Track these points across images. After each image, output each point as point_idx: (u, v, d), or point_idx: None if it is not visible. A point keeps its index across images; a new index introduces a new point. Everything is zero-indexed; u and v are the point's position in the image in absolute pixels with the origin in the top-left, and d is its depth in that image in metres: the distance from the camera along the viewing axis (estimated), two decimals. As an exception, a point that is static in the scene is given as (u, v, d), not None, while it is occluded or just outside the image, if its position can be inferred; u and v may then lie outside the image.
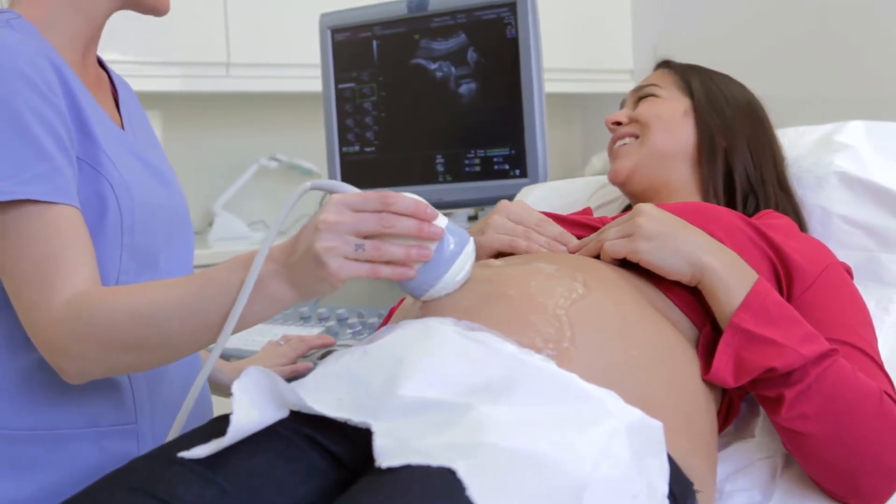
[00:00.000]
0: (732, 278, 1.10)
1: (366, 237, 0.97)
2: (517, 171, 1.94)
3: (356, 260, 0.97)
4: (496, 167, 1.97)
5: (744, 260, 1.14)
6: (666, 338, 1.09)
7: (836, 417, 1.06)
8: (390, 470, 0.82)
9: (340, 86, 2.11)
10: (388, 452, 0.83)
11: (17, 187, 1.06)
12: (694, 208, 1.25)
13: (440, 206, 1.86)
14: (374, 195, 0.98)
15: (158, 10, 1.28)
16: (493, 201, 1.65)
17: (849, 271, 1.26)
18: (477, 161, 1.99)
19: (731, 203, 1.39)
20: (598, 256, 1.18)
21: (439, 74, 2.01)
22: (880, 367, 1.14)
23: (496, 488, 0.80)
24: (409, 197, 0.99)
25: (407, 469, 0.81)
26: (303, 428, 0.97)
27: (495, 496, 0.79)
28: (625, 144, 1.45)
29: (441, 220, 1.02)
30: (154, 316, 1.03)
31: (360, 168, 2.11)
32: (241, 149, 3.19)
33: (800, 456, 1.11)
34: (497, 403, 0.89)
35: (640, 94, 1.48)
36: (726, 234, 1.19)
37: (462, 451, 0.82)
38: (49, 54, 1.15)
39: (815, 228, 1.45)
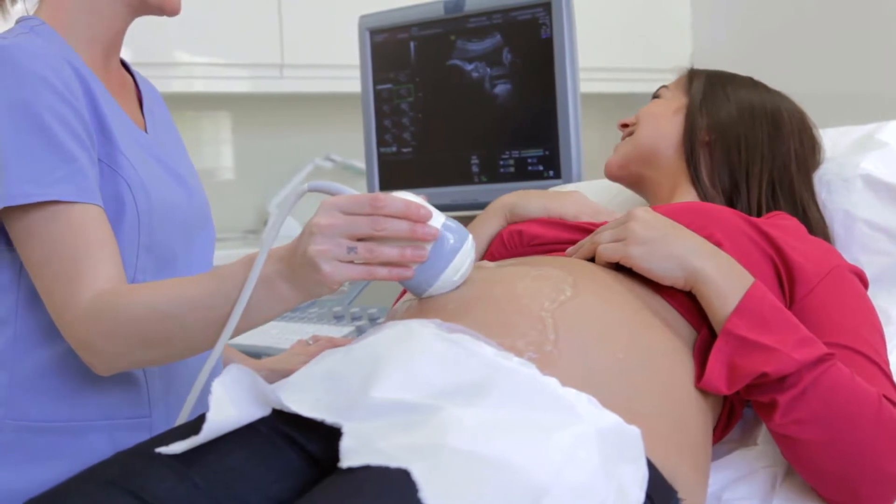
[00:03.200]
0: (727, 283, 1.08)
1: (361, 239, 0.97)
2: (551, 172, 1.93)
3: (350, 262, 0.98)
4: (530, 168, 1.96)
5: (743, 262, 1.12)
6: (658, 341, 1.07)
7: (832, 422, 1.03)
8: (350, 470, 0.82)
9: (378, 87, 2.12)
10: (351, 452, 0.84)
11: (43, 189, 1.09)
12: (692, 209, 1.22)
13: (476, 206, 1.87)
14: (364, 198, 0.98)
15: (174, 11, 1.31)
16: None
17: (859, 275, 1.22)
18: (511, 162, 1.98)
19: (730, 201, 1.37)
20: (594, 259, 1.17)
21: (475, 75, 2.01)
22: (885, 372, 1.10)
23: (452, 490, 0.80)
24: (401, 198, 0.98)
25: (366, 469, 0.81)
26: (283, 427, 0.98)
27: (450, 498, 0.79)
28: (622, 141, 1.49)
29: (437, 219, 1.01)
30: (174, 312, 1.06)
31: (397, 169, 2.12)
32: (297, 149, 3.21)
33: (797, 463, 1.08)
34: (468, 406, 0.88)
35: (652, 97, 1.50)
36: (725, 235, 1.16)
37: (422, 453, 0.82)
38: (71, 59, 1.19)
39: (839, 232, 1.40)
